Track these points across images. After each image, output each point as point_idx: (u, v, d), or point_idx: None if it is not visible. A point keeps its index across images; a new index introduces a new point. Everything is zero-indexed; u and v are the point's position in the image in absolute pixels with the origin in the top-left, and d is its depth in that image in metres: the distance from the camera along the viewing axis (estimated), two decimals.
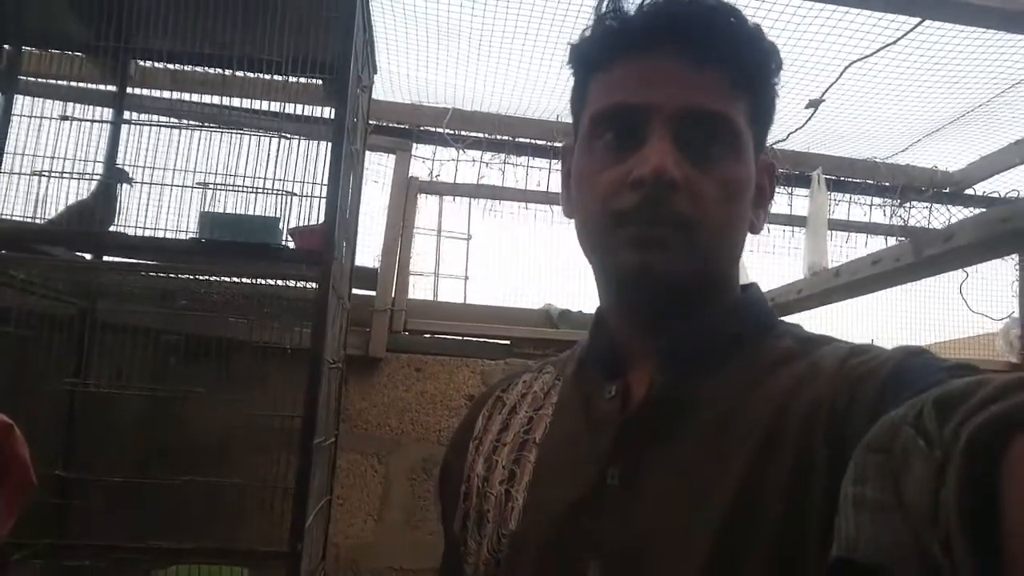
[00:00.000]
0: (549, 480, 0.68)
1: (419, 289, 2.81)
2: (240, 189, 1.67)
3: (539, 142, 2.76)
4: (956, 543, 0.30)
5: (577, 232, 0.72)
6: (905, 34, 2.05)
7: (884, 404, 0.49)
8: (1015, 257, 2.96)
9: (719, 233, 0.65)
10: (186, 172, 1.77)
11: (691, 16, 0.64)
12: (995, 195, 2.87)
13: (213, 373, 2.12)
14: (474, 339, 2.62)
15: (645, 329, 0.69)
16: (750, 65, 0.66)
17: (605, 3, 0.68)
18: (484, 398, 0.84)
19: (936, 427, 0.34)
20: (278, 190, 1.66)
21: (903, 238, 2.62)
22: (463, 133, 2.71)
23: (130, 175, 1.99)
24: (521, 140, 2.76)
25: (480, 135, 2.73)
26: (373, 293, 2.61)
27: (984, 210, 1.67)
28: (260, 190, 1.66)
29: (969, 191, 2.93)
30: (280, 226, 1.64)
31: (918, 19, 1.99)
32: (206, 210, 1.62)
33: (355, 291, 2.54)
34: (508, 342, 2.62)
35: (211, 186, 1.66)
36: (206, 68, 2.05)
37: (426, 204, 2.84)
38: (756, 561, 0.55)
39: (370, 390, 2.52)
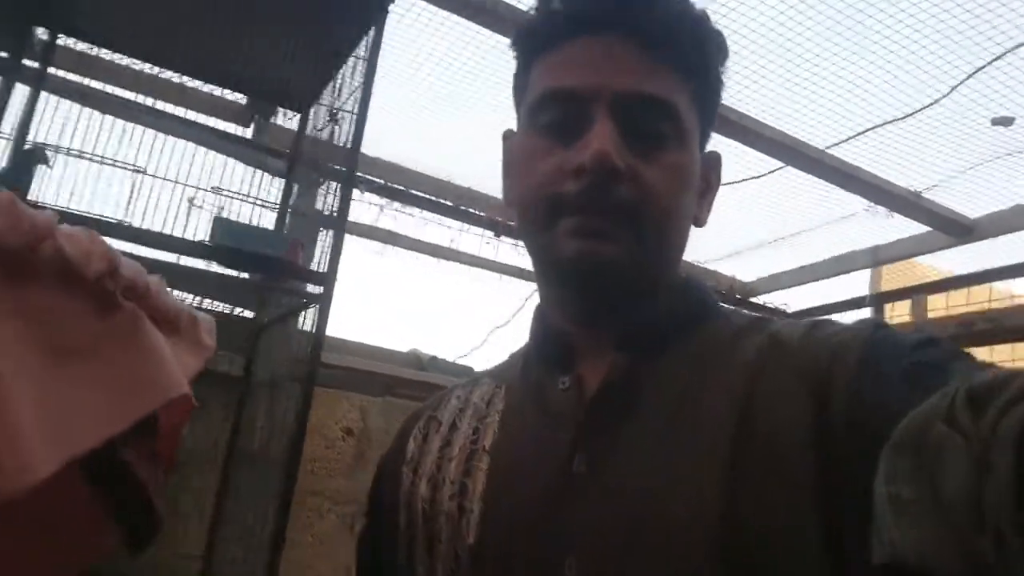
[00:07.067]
0: (507, 483, 0.64)
1: None
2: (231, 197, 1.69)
3: (431, 197, 2.94)
4: (1012, 538, 0.30)
5: (516, 222, 0.71)
6: None
7: (863, 381, 0.52)
8: None
9: (664, 222, 0.64)
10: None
11: (639, 0, 0.64)
12: (772, 305, 3.58)
13: None
14: (355, 372, 2.68)
15: (593, 320, 0.67)
16: (696, 52, 0.65)
17: None
18: (412, 421, 0.78)
19: (971, 421, 0.33)
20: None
21: None
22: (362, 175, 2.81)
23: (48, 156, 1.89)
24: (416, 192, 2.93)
25: (379, 181, 2.85)
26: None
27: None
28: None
29: (755, 299, 3.60)
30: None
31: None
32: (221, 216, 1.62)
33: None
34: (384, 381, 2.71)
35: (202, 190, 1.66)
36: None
37: None
38: (770, 530, 0.52)
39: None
